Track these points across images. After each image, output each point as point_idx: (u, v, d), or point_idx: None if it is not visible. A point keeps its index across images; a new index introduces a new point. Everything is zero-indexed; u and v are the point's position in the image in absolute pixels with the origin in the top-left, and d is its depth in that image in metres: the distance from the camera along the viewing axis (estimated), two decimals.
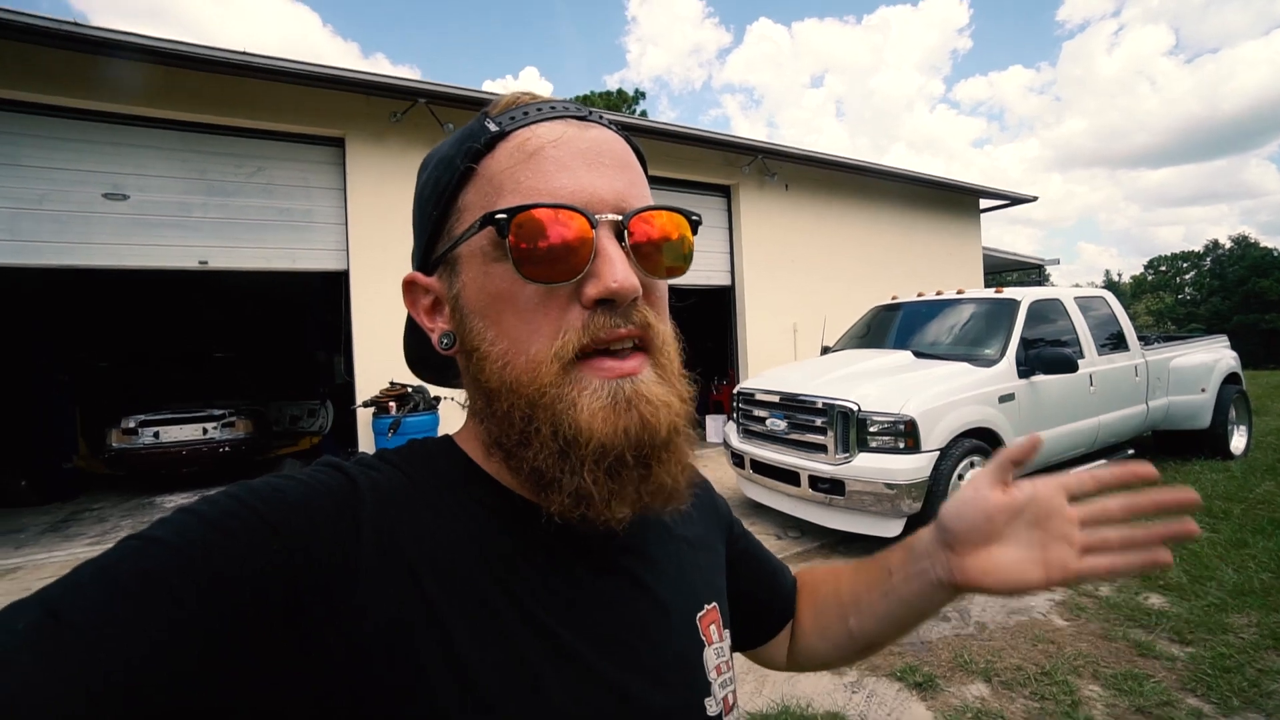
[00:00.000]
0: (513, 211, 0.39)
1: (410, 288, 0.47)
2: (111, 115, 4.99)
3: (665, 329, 0.44)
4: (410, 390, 5.42)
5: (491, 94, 6.22)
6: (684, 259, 0.45)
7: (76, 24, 4.37)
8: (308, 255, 5.73)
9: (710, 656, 0.48)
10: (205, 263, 5.36)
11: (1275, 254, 38.49)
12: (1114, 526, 0.47)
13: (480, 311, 0.42)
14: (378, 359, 5.70)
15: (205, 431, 6.28)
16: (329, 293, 7.13)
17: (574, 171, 0.41)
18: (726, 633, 0.52)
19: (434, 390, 5.59)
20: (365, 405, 5.44)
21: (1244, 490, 4.69)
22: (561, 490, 0.39)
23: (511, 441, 0.41)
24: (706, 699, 0.46)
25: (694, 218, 0.46)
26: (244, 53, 4.96)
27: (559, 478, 0.39)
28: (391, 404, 5.24)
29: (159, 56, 4.64)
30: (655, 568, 0.48)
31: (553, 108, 0.43)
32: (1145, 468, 0.47)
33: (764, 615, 0.65)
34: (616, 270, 0.39)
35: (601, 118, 0.45)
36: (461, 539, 0.41)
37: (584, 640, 0.41)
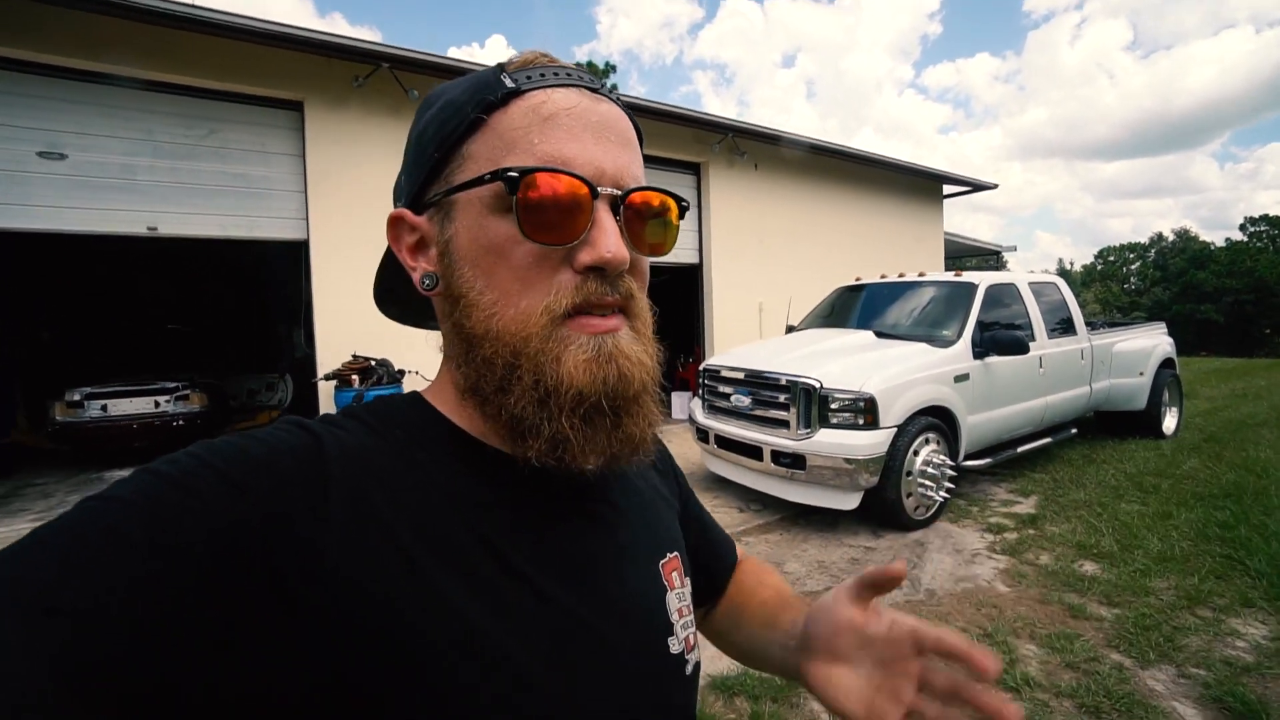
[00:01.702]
0: (525, 171, 0.40)
1: (396, 224, 0.47)
2: (46, 67, 4.67)
3: (644, 301, 0.47)
4: (374, 363, 5.33)
5: (456, 60, 6.03)
6: (669, 240, 0.47)
7: None
8: (266, 223, 5.53)
9: (672, 600, 0.51)
10: (155, 229, 5.11)
11: (1212, 248, 40.58)
12: (935, 702, 0.44)
13: (472, 260, 0.43)
14: (340, 331, 5.57)
15: (157, 405, 6.05)
16: (289, 262, 6.90)
17: (583, 142, 0.42)
18: (688, 580, 0.55)
19: (399, 363, 5.50)
20: (327, 379, 5.33)
21: (1172, 467, 5.02)
22: (540, 436, 0.41)
23: (490, 388, 0.42)
24: (669, 638, 0.49)
25: (683, 203, 0.48)
26: (194, 5, 4.69)
27: (538, 424, 0.41)
28: (354, 377, 5.14)
29: (100, 5, 4.35)
30: (621, 515, 0.50)
31: (569, 74, 0.44)
32: (988, 662, 0.42)
33: (700, 580, 0.66)
34: (610, 241, 0.41)
35: (611, 92, 0.47)
36: (433, 490, 0.41)
37: (556, 581, 0.42)
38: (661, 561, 0.52)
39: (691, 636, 0.52)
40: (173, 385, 6.19)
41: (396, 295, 0.58)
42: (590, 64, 28.03)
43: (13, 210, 4.64)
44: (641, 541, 0.51)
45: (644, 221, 0.45)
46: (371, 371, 5.24)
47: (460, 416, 0.46)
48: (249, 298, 9.39)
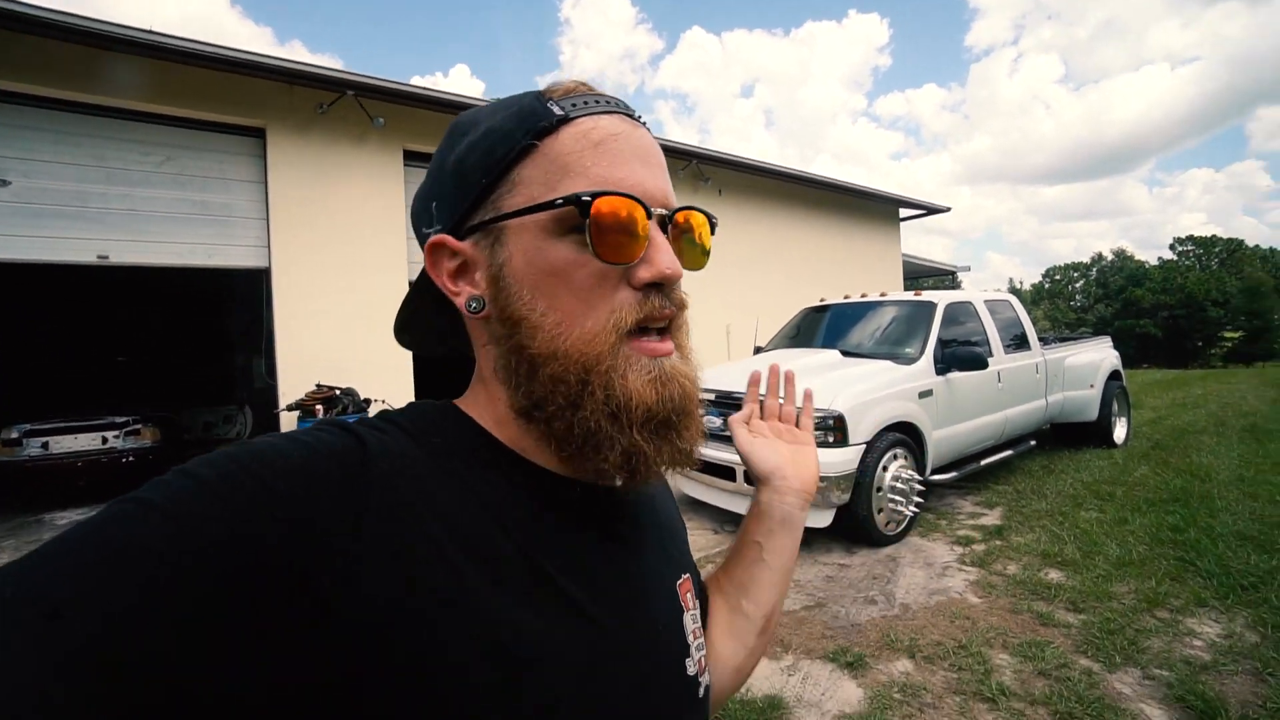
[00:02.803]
0: (595, 195, 0.42)
1: (436, 250, 0.47)
2: None
3: (685, 311, 0.49)
4: (339, 392, 5.20)
5: (423, 89, 6.05)
6: (706, 254, 0.51)
7: None
8: (226, 251, 5.38)
9: (688, 621, 0.52)
10: (105, 257, 4.93)
11: (1147, 266, 43.04)
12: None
13: (531, 284, 0.43)
14: (303, 360, 5.43)
15: (105, 440, 5.75)
16: (248, 291, 6.71)
17: (633, 166, 0.44)
18: (697, 602, 0.56)
19: (363, 393, 5.38)
20: (290, 409, 5.16)
21: (1124, 474, 5.25)
22: (614, 449, 0.43)
23: (559, 404, 0.43)
24: (686, 659, 0.50)
25: (714, 220, 0.52)
26: (150, 31, 4.60)
27: (612, 437, 0.43)
28: (319, 407, 5.00)
29: (47, 29, 4.23)
30: (645, 536, 0.52)
31: (609, 102, 0.46)
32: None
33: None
34: (667, 258, 0.44)
35: (643, 120, 0.49)
36: (471, 500, 0.42)
37: (590, 599, 0.43)
38: (678, 582, 0.54)
39: (704, 659, 0.53)
40: (121, 420, 5.90)
41: (415, 323, 0.58)
42: None
43: None
44: (662, 562, 0.53)
45: (690, 238, 0.49)
46: (336, 401, 5.11)
47: (500, 431, 0.47)
48: (205, 327, 9.06)
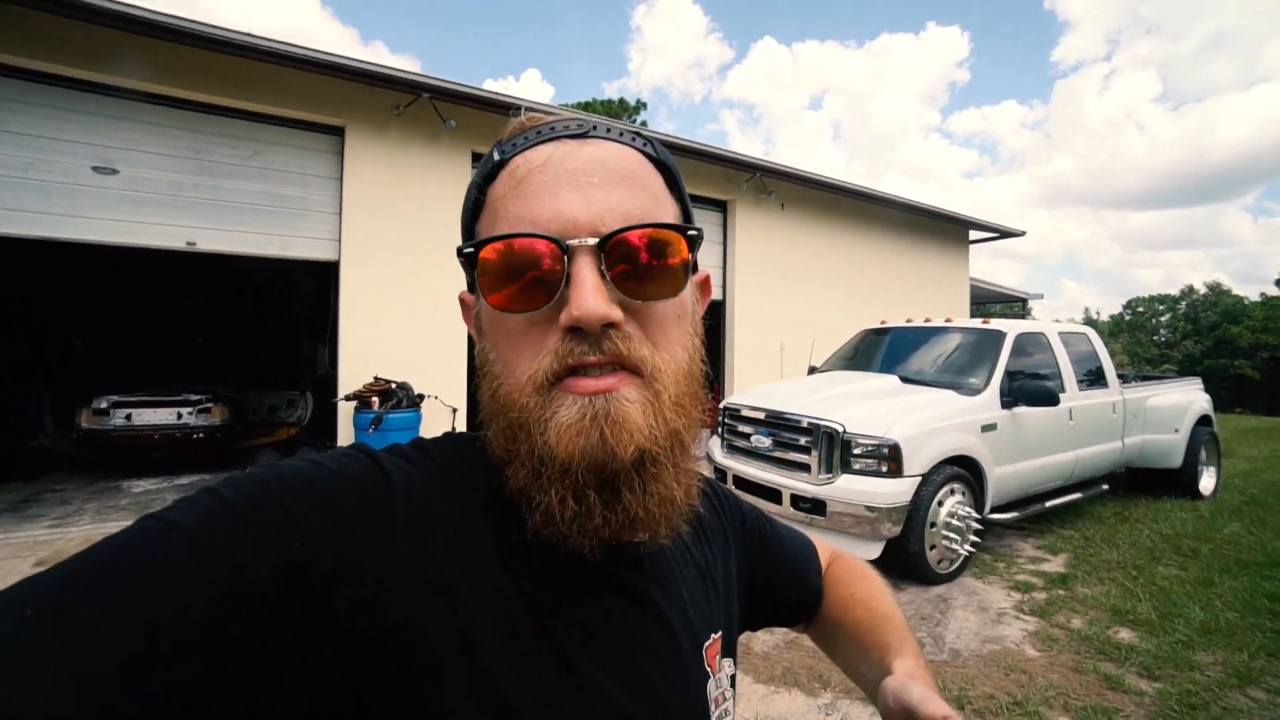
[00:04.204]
0: (478, 245, 0.40)
1: (463, 305, 0.50)
2: (104, 87, 4.89)
3: (655, 357, 0.40)
4: (394, 386, 5.36)
5: (494, 93, 6.21)
6: (674, 278, 0.41)
7: None
8: (299, 243, 5.66)
9: (711, 688, 0.49)
10: (193, 244, 5.26)
11: (1246, 302, 39.70)
12: None
13: (488, 333, 0.44)
14: (363, 352, 5.63)
15: (180, 416, 6.13)
16: (317, 282, 7.03)
17: (554, 195, 0.39)
18: (727, 662, 0.52)
19: (419, 387, 5.53)
20: (348, 399, 5.36)
21: (1212, 530, 4.80)
22: (534, 508, 0.39)
23: (506, 459, 0.42)
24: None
25: (691, 233, 0.42)
26: (248, 34, 4.90)
27: (532, 496, 0.40)
28: (374, 398, 5.17)
29: (158, 30, 4.57)
30: (669, 594, 0.48)
31: (551, 129, 0.42)
32: None
33: (784, 606, 0.68)
34: (582, 298, 0.37)
35: (609, 130, 0.43)
36: (487, 545, 0.41)
37: (601, 668, 0.41)
38: (706, 644, 0.50)
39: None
40: (196, 398, 6.28)
41: None
42: (621, 100, 28.80)
43: (63, 221, 4.81)
44: (688, 623, 0.49)
45: (635, 267, 0.40)
46: (391, 394, 5.26)
47: (506, 471, 0.46)
48: (275, 314, 9.57)
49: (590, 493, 0.38)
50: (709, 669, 0.49)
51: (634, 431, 0.38)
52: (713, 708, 0.48)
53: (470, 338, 0.49)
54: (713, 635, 0.51)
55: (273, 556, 0.33)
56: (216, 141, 5.33)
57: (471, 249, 0.40)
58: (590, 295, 0.38)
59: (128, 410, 5.98)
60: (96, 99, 4.91)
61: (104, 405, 5.89)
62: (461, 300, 0.50)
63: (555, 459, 0.38)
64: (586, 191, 0.40)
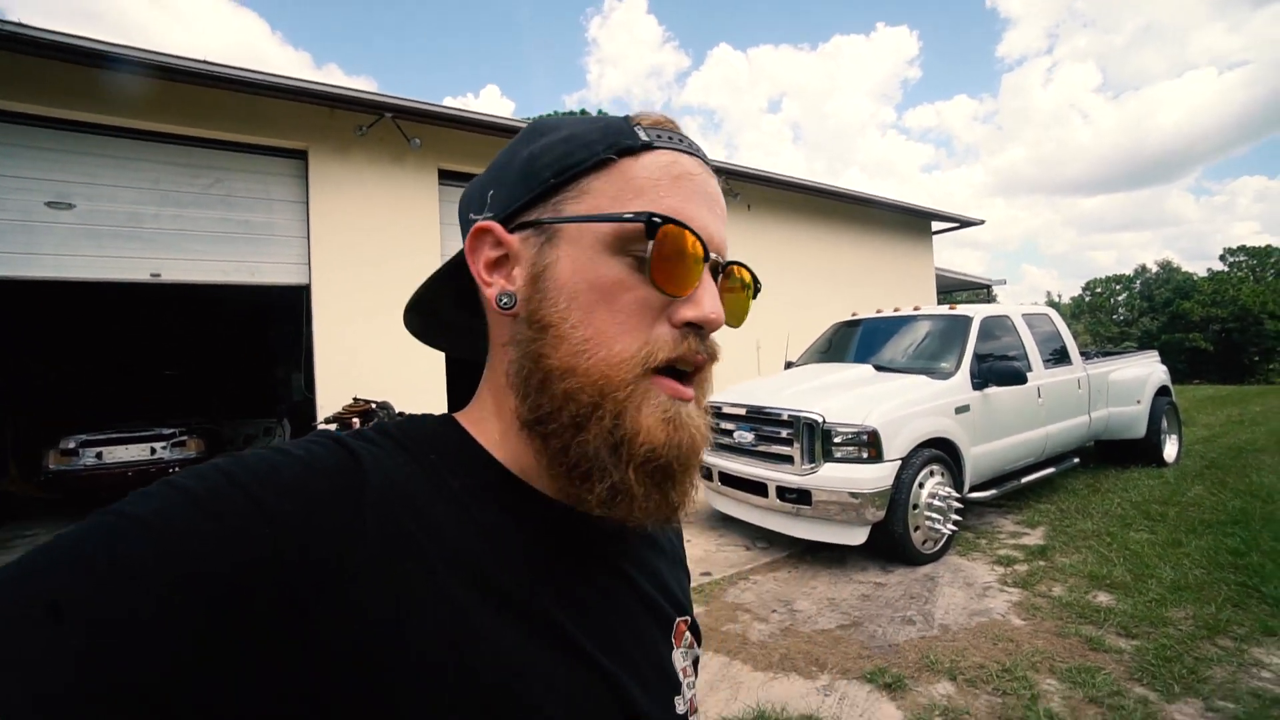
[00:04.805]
0: (667, 220, 0.41)
1: (481, 235, 0.45)
2: (57, 121, 4.78)
3: (711, 366, 0.47)
4: (374, 406, 5.30)
5: (457, 110, 6.23)
6: (746, 313, 0.51)
7: (20, 24, 4.20)
8: (268, 269, 5.58)
9: (678, 658, 0.51)
10: (158, 275, 5.15)
11: (1195, 278, 41.38)
12: None
13: (571, 294, 0.42)
14: (340, 374, 5.57)
15: (154, 451, 5.98)
16: (289, 307, 6.93)
17: (701, 208, 0.44)
18: (691, 640, 0.55)
19: (399, 406, 5.48)
20: (327, 422, 5.28)
21: (1177, 494, 5.01)
22: (602, 481, 0.40)
23: (561, 422, 0.41)
24: (676, 697, 0.49)
25: (759, 285, 0.53)
26: (203, 61, 4.85)
27: (606, 469, 0.40)
28: (355, 420, 5.10)
29: (109, 61, 4.49)
30: (645, 573, 0.51)
31: (692, 145, 0.47)
32: None
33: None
34: (713, 302, 0.43)
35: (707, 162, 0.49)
36: (469, 524, 0.40)
37: (585, 634, 0.42)
38: (676, 620, 0.53)
39: (694, 699, 0.52)
40: (169, 431, 6.14)
41: (427, 308, 0.55)
42: (583, 111, 28.93)
43: (19, 259, 4.67)
44: (661, 600, 0.51)
45: (735, 293, 0.49)
46: (372, 414, 5.21)
47: (503, 449, 0.45)
48: (248, 342, 9.39)
49: (664, 479, 0.42)
50: (674, 641, 0.51)
51: (700, 434, 0.44)
52: (682, 676, 0.50)
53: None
54: (680, 617, 0.53)
55: (236, 550, 0.31)
56: (176, 171, 5.24)
57: (660, 219, 0.41)
58: (718, 301, 0.44)
59: (98, 449, 5.81)
60: (49, 133, 4.79)
61: (72, 445, 5.72)
62: (486, 230, 0.45)
63: (646, 443, 0.40)
64: (717, 218, 0.46)
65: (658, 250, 0.41)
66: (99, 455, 5.80)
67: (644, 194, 0.42)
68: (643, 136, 0.44)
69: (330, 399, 5.50)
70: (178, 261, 5.21)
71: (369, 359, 5.71)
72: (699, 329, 0.43)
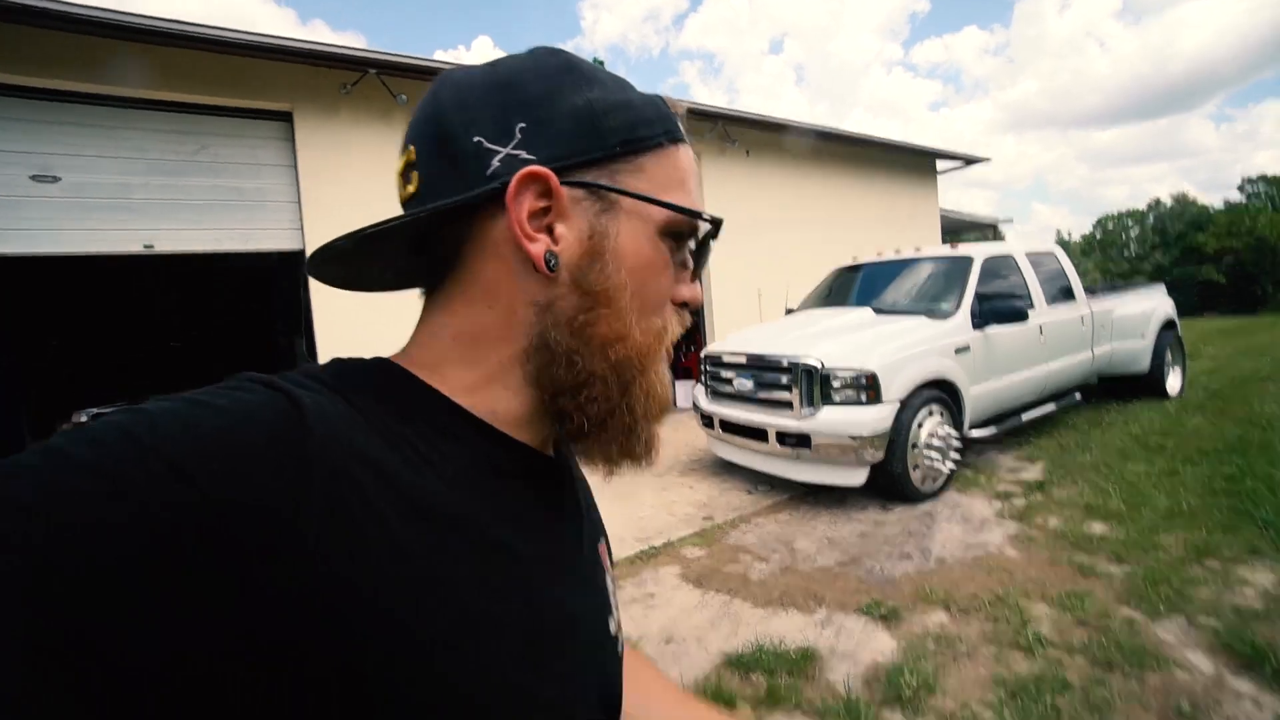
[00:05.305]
0: (715, 221, 0.48)
1: (533, 181, 0.40)
2: (35, 91, 4.67)
3: None
4: None
5: (443, 63, 6.03)
6: None
7: None
8: (261, 235, 5.54)
9: (609, 582, 0.53)
10: (151, 246, 5.13)
11: (1211, 210, 40.32)
12: None
13: (631, 268, 0.43)
14: (340, 339, 5.59)
15: None
16: (286, 273, 6.92)
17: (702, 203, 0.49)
18: (609, 562, 0.57)
19: None
20: None
21: (1177, 425, 5.04)
22: (641, 437, 0.46)
23: (606, 387, 0.43)
24: (609, 618, 0.50)
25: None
26: (177, 21, 4.70)
27: (641, 425, 0.46)
28: None
29: (81, 25, 4.35)
30: (579, 503, 0.53)
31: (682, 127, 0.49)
32: None
33: None
34: (699, 287, 0.50)
35: None
36: (427, 469, 0.37)
37: (545, 564, 0.43)
38: (599, 543, 0.55)
39: (621, 619, 0.54)
40: None
41: (369, 254, 0.45)
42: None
43: (6, 235, 4.66)
44: (590, 525, 0.54)
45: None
46: None
47: (473, 398, 0.43)
48: (249, 310, 9.42)
49: (658, 429, 0.49)
50: (604, 565, 0.54)
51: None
52: (612, 598, 0.53)
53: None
54: (602, 539, 0.56)
55: (150, 522, 0.25)
56: (161, 139, 5.14)
57: (711, 221, 0.47)
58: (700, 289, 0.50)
59: None
60: (27, 104, 4.69)
61: (83, 419, 5.81)
62: (544, 178, 0.40)
63: (660, 403, 0.46)
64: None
65: (704, 248, 0.48)
66: None
67: (681, 186, 0.46)
68: (681, 128, 0.47)
69: None
70: (170, 232, 5.18)
71: (367, 321, 5.72)
72: (687, 307, 0.49)
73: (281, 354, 8.67)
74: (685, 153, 0.47)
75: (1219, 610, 2.39)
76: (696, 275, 0.49)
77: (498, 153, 0.40)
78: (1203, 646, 2.20)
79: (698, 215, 0.46)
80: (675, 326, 0.47)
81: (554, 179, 0.40)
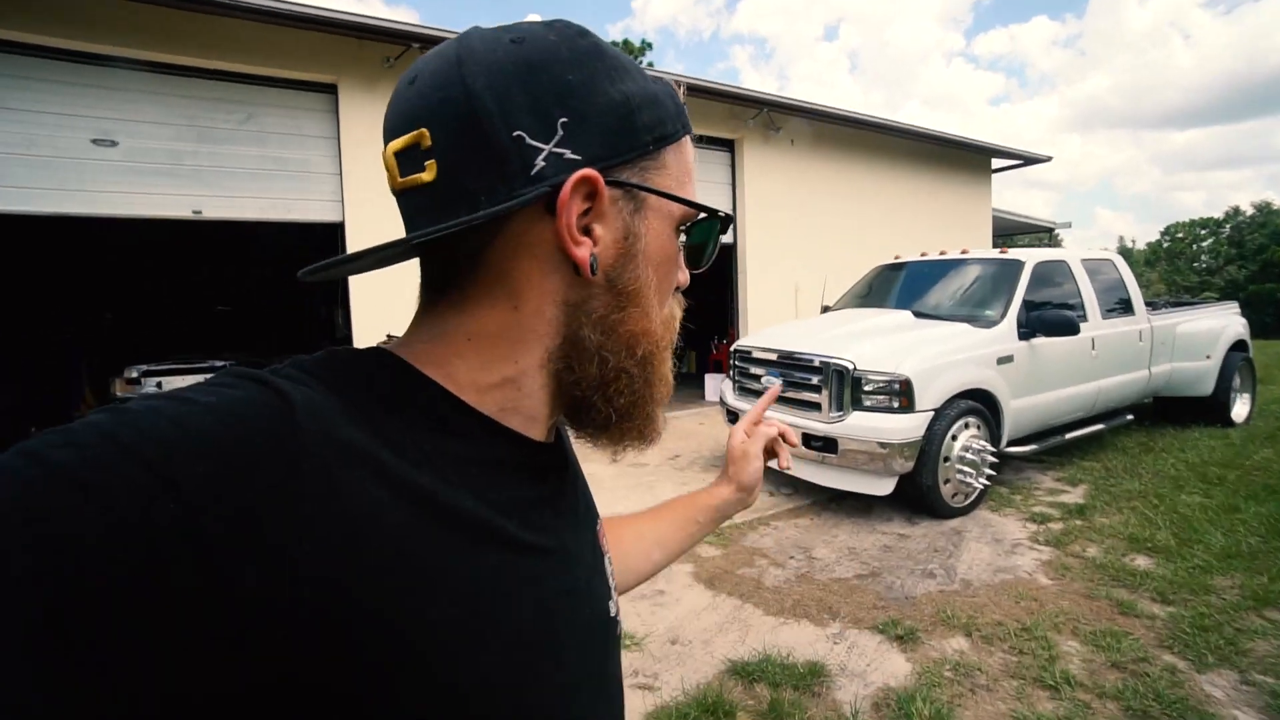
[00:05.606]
0: (728, 217, 0.49)
1: (583, 184, 0.38)
2: (98, 57, 4.82)
3: None
4: None
5: None
6: None
7: None
8: (303, 206, 5.64)
9: (607, 564, 0.53)
10: (199, 212, 5.28)
11: None
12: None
13: (655, 264, 0.44)
14: (376, 311, 5.68)
15: None
16: (327, 244, 7.06)
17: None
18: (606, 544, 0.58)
19: None
20: None
21: (1241, 457, 4.68)
22: (656, 422, 0.47)
23: (633, 381, 0.44)
24: (609, 601, 0.50)
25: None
26: None
27: (656, 413, 0.47)
28: None
29: None
30: (578, 491, 0.53)
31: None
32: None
33: None
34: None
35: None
36: (425, 464, 0.36)
37: (551, 553, 0.42)
38: (597, 527, 0.55)
39: (627, 615, 0.53)
40: (220, 365, 6.45)
41: (385, 259, 0.45)
42: (626, 42, 27.65)
43: (71, 196, 4.85)
44: (589, 511, 0.54)
45: None
46: None
47: (478, 397, 0.40)
48: (291, 280, 9.69)
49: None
50: (603, 550, 0.54)
51: None
52: (611, 581, 0.53)
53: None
54: (598, 523, 0.56)
55: (131, 546, 0.24)
56: (211, 107, 5.26)
57: (724, 216, 0.48)
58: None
59: (158, 378, 6.16)
60: (91, 69, 4.85)
61: (135, 375, 6.08)
62: (592, 181, 0.38)
63: (670, 385, 0.47)
64: None
65: (716, 242, 0.49)
66: (159, 384, 6.15)
67: (690, 177, 0.46)
68: (684, 126, 0.46)
69: (367, 335, 5.64)
70: (217, 199, 5.31)
71: (402, 296, 5.78)
72: (679, 290, 0.50)
73: (321, 325, 8.90)
74: (688, 142, 0.46)
75: (1278, 669, 2.19)
76: (699, 265, 0.49)
77: (540, 150, 0.38)
78: (1256, 707, 2.01)
79: (715, 213, 0.46)
80: (679, 311, 0.48)
81: (601, 182, 0.39)
